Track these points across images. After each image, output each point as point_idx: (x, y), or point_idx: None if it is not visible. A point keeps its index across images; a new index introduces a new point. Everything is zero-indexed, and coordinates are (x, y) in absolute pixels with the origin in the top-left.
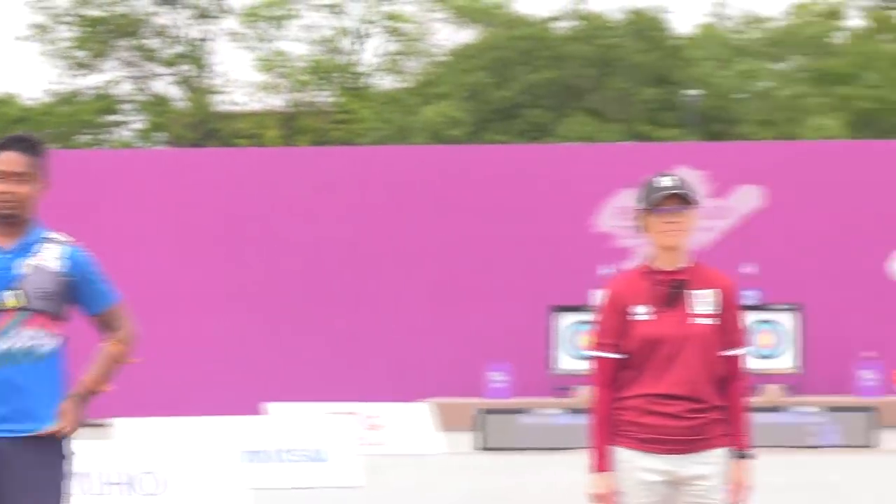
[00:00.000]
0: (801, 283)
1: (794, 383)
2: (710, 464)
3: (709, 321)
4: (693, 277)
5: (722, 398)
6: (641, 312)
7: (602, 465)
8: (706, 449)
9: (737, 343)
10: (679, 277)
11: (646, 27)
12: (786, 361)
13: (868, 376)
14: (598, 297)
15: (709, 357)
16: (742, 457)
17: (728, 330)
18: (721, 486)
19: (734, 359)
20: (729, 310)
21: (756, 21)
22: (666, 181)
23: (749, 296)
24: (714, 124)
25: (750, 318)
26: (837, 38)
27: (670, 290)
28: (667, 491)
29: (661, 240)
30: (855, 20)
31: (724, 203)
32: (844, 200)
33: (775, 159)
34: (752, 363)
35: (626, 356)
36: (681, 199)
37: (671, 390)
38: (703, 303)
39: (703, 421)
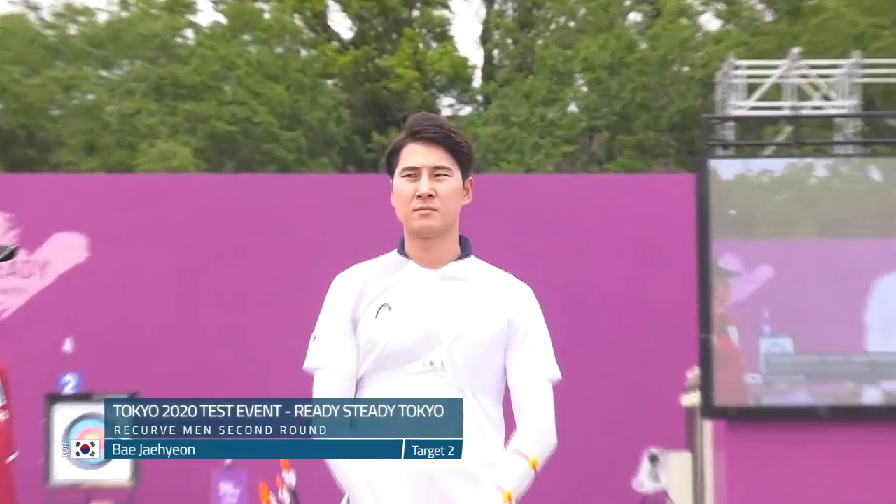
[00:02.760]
0: (135, 363)
1: None
2: None
3: None
4: None
5: None
6: None
7: None
8: None
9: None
10: None
11: None
12: None
13: None
14: None
15: None
16: None
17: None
18: None
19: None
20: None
21: (79, 13)
22: None
23: (68, 383)
24: (23, 150)
25: (74, 412)
26: (187, 39)
27: None
28: None
29: None
30: (210, 15)
31: (37, 256)
32: (200, 239)
33: (105, 197)
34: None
35: None
36: None
37: None
38: None
39: None
